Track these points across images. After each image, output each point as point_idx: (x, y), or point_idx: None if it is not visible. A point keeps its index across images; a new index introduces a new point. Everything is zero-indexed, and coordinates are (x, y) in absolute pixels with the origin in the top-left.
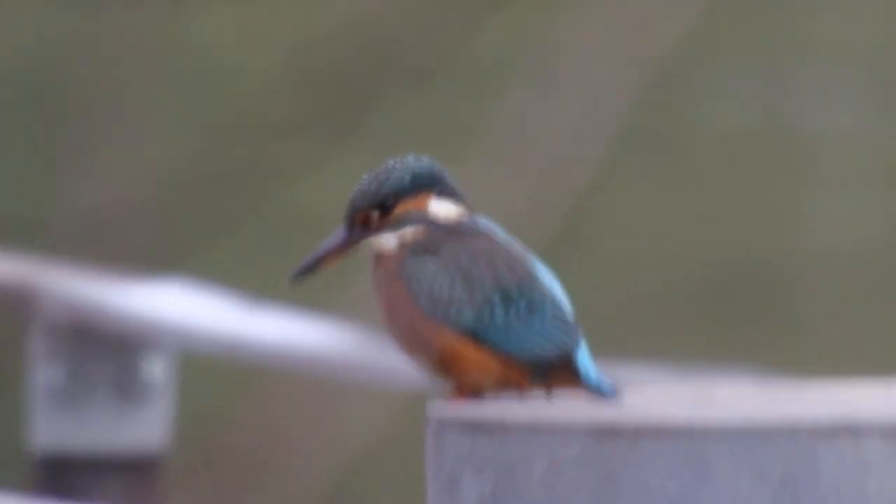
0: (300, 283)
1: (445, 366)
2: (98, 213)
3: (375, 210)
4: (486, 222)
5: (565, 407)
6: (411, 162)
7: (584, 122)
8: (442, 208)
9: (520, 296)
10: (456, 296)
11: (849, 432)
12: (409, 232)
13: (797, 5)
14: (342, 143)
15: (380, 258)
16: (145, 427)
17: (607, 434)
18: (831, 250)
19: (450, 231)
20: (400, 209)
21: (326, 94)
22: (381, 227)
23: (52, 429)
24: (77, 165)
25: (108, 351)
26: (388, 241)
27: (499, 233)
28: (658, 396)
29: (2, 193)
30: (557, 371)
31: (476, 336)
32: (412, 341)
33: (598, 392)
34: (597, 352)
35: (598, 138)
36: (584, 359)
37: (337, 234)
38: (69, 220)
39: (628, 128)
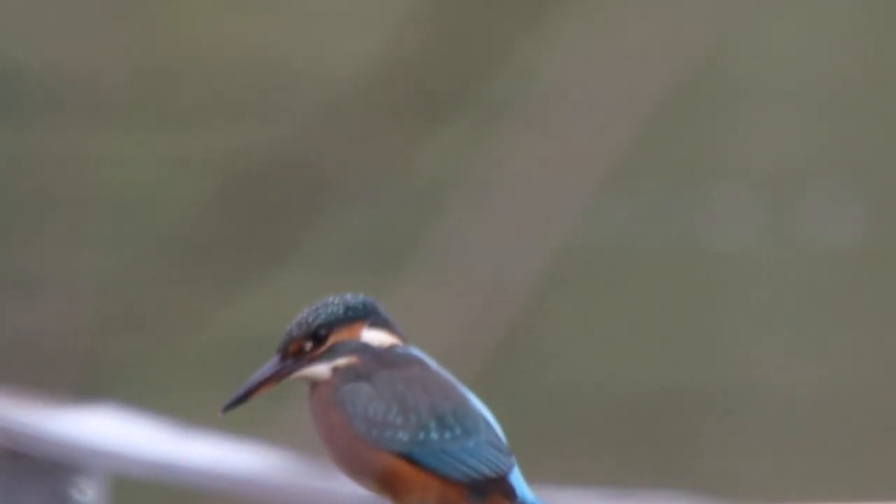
0: (230, 412)
1: (386, 486)
2: (29, 339)
3: (308, 341)
4: (417, 352)
5: None
6: (347, 297)
7: (519, 245)
8: (374, 337)
9: (455, 421)
10: (391, 420)
11: None
12: (342, 361)
13: (714, 127)
14: (275, 264)
15: (315, 386)
16: None
17: None
18: (761, 378)
19: (383, 359)
20: (333, 339)
21: (261, 215)
22: (313, 358)
23: None
24: (7, 289)
25: (40, 475)
26: (320, 370)
27: (430, 362)
28: None
29: None
30: (494, 493)
31: (412, 459)
32: (352, 464)
33: None
34: (531, 477)
35: (532, 262)
36: (519, 482)
37: (269, 364)
38: (0, 344)
39: (561, 251)
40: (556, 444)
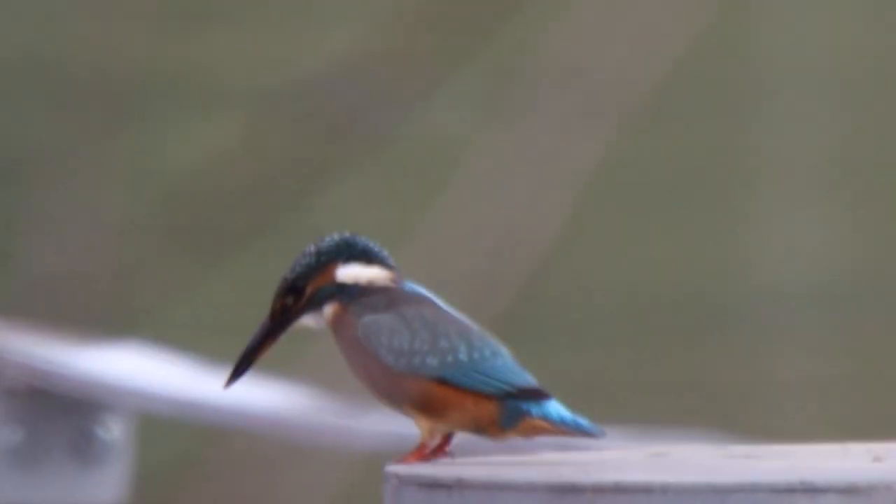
0: (235, 383)
1: (423, 409)
2: (55, 276)
3: (289, 297)
4: (420, 289)
5: (523, 466)
6: (322, 241)
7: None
8: (348, 273)
9: (482, 344)
10: (417, 347)
11: (806, 492)
12: (327, 309)
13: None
14: (305, 203)
15: (336, 325)
16: (102, 487)
17: (566, 492)
18: (779, 285)
19: (394, 296)
20: (310, 289)
21: (291, 150)
22: (299, 311)
23: (10, 489)
24: (34, 227)
25: (65, 412)
26: (307, 322)
27: (439, 301)
28: (616, 456)
29: None
30: (529, 417)
31: (443, 379)
32: (387, 393)
33: (578, 430)
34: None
35: (552, 205)
36: (554, 404)
37: (260, 327)
38: (26, 282)
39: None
40: (580, 383)
